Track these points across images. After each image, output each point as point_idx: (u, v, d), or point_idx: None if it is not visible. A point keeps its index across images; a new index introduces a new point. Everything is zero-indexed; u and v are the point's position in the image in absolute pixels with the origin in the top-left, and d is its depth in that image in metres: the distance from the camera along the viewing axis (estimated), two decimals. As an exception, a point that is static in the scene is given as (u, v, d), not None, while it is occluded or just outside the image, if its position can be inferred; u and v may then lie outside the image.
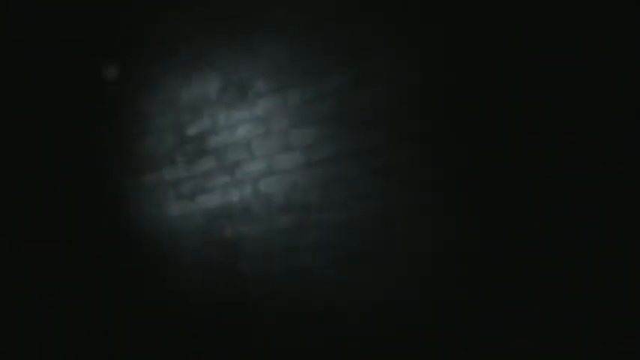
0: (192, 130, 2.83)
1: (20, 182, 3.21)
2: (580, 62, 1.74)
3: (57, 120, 3.40)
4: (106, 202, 3.22)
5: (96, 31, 3.16)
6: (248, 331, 2.71)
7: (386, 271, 2.23)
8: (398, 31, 2.11)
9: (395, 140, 2.17)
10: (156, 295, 3.07)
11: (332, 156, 2.35)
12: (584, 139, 1.75)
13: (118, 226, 3.18)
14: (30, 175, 3.27)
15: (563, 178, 1.80)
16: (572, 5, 1.75)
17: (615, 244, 1.72)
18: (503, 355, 1.95)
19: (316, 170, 2.40)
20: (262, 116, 2.55)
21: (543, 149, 1.82)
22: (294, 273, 2.51)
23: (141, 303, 3.13)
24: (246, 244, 2.67)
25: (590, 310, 1.78)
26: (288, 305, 2.54)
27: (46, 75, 3.40)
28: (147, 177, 3.06)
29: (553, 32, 1.78)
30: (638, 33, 1.65)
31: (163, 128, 2.95)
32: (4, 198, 3.11)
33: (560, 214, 1.81)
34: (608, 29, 1.69)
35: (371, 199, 2.25)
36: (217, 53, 2.70)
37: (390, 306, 2.22)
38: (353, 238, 2.32)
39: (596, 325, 1.77)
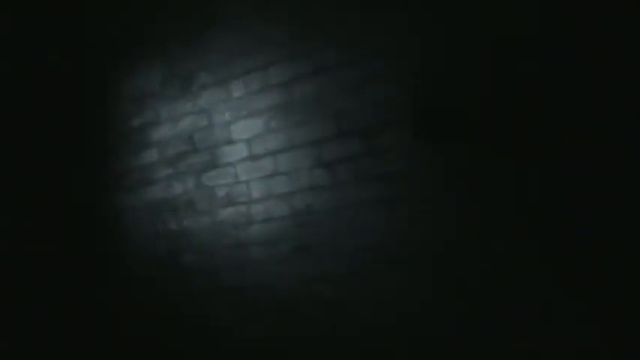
0: (135, 122, 2.83)
1: (20, 182, 3.21)
2: (580, 62, 1.74)
3: (57, 120, 3.40)
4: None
5: (96, 31, 3.16)
6: (192, 325, 2.71)
7: (333, 264, 2.24)
8: (360, 21, 2.11)
9: (339, 133, 2.18)
10: (111, 287, 3.07)
11: (275, 149, 2.36)
12: (584, 139, 1.75)
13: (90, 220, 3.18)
14: (30, 175, 3.27)
15: (563, 178, 1.80)
16: (572, 5, 1.75)
17: (615, 244, 1.72)
18: (503, 355, 1.95)
19: (259, 163, 2.41)
20: (206, 108, 2.55)
21: (543, 149, 1.82)
22: (240, 266, 2.51)
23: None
24: (191, 237, 2.67)
25: (590, 310, 1.78)
26: (234, 299, 2.55)
27: (46, 75, 3.39)
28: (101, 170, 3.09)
29: (553, 32, 1.78)
30: (638, 33, 1.65)
31: (107, 120, 2.96)
32: (4, 198, 3.11)
33: (560, 214, 1.81)
34: (608, 29, 1.69)
35: (314, 192, 2.26)
36: (162, 45, 2.69)
37: (340, 301, 2.23)
38: (297, 232, 2.32)
39: (596, 325, 1.77)
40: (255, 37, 2.36)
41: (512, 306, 1.92)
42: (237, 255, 2.52)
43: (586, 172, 1.75)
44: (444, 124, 2.00)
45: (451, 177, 2.01)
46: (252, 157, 2.42)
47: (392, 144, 2.07)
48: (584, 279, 1.78)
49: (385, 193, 2.16)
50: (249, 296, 2.50)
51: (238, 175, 2.47)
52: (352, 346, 2.32)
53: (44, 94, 3.39)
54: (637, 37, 1.65)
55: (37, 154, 3.32)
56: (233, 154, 2.49)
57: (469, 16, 1.93)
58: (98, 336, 3.31)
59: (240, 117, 2.44)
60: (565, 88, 1.77)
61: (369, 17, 2.13)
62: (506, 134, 1.88)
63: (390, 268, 2.20)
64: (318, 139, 2.24)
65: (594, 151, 1.74)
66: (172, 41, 2.64)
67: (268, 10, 2.33)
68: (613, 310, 1.74)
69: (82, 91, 3.28)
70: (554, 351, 1.85)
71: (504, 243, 1.92)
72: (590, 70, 1.73)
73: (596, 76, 1.72)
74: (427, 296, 2.11)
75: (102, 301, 3.28)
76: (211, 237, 2.59)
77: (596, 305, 1.77)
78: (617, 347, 1.74)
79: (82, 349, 3.29)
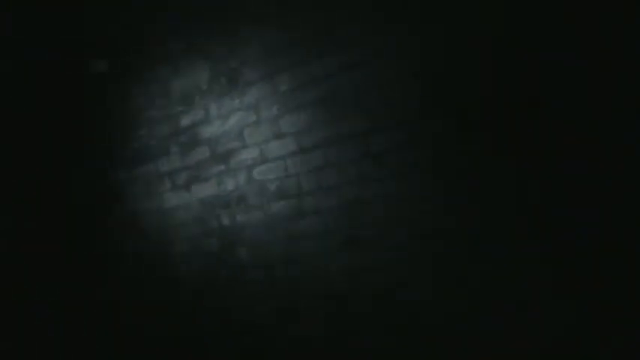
0: (185, 121, 2.85)
1: (20, 182, 3.21)
2: (580, 62, 1.74)
3: (57, 120, 3.40)
4: (106, 197, 3.22)
5: (96, 31, 3.16)
6: (250, 317, 2.72)
7: (382, 256, 2.24)
8: (390, 19, 2.11)
9: (387, 124, 2.18)
10: (157, 286, 3.07)
11: (323, 141, 2.36)
12: (584, 139, 1.75)
13: (118, 219, 3.18)
14: (30, 175, 3.26)
15: (563, 178, 1.80)
16: (572, 5, 1.75)
17: (615, 244, 1.72)
18: (503, 355, 1.95)
19: (308, 156, 2.41)
20: (253, 104, 2.57)
21: (543, 149, 1.82)
22: (292, 259, 2.52)
23: (141, 299, 3.13)
24: (244, 232, 2.69)
25: (590, 310, 1.78)
26: (288, 292, 2.56)
27: (46, 75, 3.39)
28: (143, 169, 3.09)
29: (553, 32, 1.78)
30: (638, 33, 1.65)
31: (157, 120, 2.97)
32: (4, 198, 3.11)
33: (560, 214, 1.81)
34: (608, 29, 1.69)
35: (363, 184, 2.26)
36: (206, 43, 2.71)
37: (390, 294, 2.23)
38: (347, 224, 2.32)
39: (596, 326, 1.77)
40: (299, 31, 2.36)
41: (512, 306, 1.92)
42: (289, 247, 2.53)
43: (586, 172, 1.75)
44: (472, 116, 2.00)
45: (451, 176, 2.01)
46: (302, 151, 2.43)
47: (435, 134, 2.06)
48: (584, 279, 1.78)
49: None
50: (301, 289, 2.52)
51: (288, 168, 2.48)
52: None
53: (44, 94, 3.39)
54: (637, 37, 1.65)
55: (37, 154, 3.32)
56: (282, 147, 2.50)
57: (469, 16, 1.93)
58: (98, 336, 3.30)
59: (288, 111, 2.45)
60: (565, 88, 1.77)
61: (404, 7, 2.12)
62: (507, 134, 1.88)
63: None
64: (365, 130, 2.24)
65: (594, 151, 1.74)
66: (217, 38, 2.66)
67: (310, 5, 2.33)
68: (613, 310, 1.74)
69: (82, 91, 3.27)
70: (554, 351, 1.85)
71: (504, 243, 1.92)
72: (590, 70, 1.73)
73: (596, 76, 1.72)
74: (427, 296, 2.11)
75: (103, 300, 3.28)
76: (264, 231, 2.61)
77: (596, 305, 1.77)
78: (617, 347, 1.74)
79: (82, 349, 3.29)
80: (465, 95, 1.96)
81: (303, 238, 2.48)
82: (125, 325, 3.20)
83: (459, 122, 1.98)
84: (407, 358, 2.18)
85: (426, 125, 2.06)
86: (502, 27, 1.87)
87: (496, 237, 1.94)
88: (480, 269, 1.98)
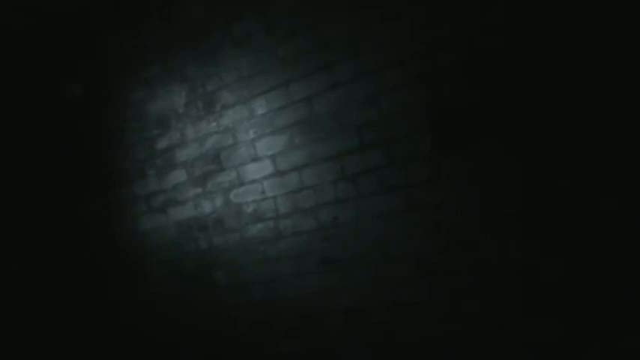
0: (161, 144, 2.86)
1: (20, 182, 3.21)
2: (580, 62, 1.75)
3: (57, 121, 3.40)
4: (97, 211, 3.23)
5: (98, 32, 3.16)
6: (224, 340, 2.73)
7: (359, 276, 2.25)
8: (374, 34, 2.11)
9: (361, 145, 2.20)
10: (133, 307, 3.07)
11: (300, 164, 2.38)
12: (584, 139, 1.75)
13: (107, 237, 3.18)
14: (30, 175, 3.27)
15: (563, 177, 1.80)
16: (572, 5, 1.75)
17: (615, 243, 1.73)
18: (503, 355, 1.95)
19: (285, 178, 2.43)
20: (230, 127, 2.58)
21: (544, 149, 1.82)
22: (269, 280, 2.53)
23: (141, 299, 3.13)
24: (221, 254, 2.70)
25: (591, 311, 1.78)
26: (265, 314, 2.57)
27: (47, 75, 3.39)
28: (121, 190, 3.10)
29: (553, 32, 1.78)
30: (638, 33, 1.65)
31: (133, 143, 2.98)
32: (4, 198, 3.11)
33: (560, 214, 1.81)
34: (608, 29, 1.69)
35: (340, 205, 2.27)
36: (184, 66, 2.72)
37: (367, 312, 2.24)
38: (324, 245, 2.34)
39: (596, 327, 1.78)
40: (276, 53, 2.38)
41: (512, 306, 1.92)
42: (266, 269, 2.54)
43: (586, 172, 1.76)
44: (459, 127, 2.00)
45: (454, 178, 2.01)
46: (278, 173, 2.45)
47: (411, 153, 2.08)
48: (584, 279, 1.78)
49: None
50: (278, 310, 2.52)
51: (265, 191, 2.50)
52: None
53: (44, 94, 3.39)
54: (637, 37, 1.65)
55: (37, 154, 3.33)
56: (259, 170, 2.51)
57: (468, 16, 1.93)
58: (99, 336, 3.31)
59: (265, 134, 2.47)
60: (565, 88, 1.77)
61: (378, 27, 2.13)
62: (507, 134, 1.89)
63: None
64: (341, 151, 2.25)
65: (594, 151, 1.74)
66: (194, 62, 2.67)
67: (287, 27, 2.35)
68: (613, 310, 1.74)
69: (86, 98, 3.27)
70: (554, 351, 1.85)
71: (504, 243, 1.92)
72: (590, 70, 1.73)
73: (596, 76, 1.72)
74: (430, 297, 2.11)
75: (102, 301, 3.28)
76: (241, 252, 2.62)
77: (596, 305, 1.77)
78: (617, 347, 1.74)
79: (82, 349, 3.29)
80: (464, 95, 1.96)
81: (280, 260, 2.49)
82: (125, 325, 3.20)
83: (459, 122, 1.98)
84: (409, 358, 2.18)
85: (409, 142, 2.07)
86: (501, 26, 1.87)
87: (496, 237, 1.94)
88: (479, 269, 1.98)
